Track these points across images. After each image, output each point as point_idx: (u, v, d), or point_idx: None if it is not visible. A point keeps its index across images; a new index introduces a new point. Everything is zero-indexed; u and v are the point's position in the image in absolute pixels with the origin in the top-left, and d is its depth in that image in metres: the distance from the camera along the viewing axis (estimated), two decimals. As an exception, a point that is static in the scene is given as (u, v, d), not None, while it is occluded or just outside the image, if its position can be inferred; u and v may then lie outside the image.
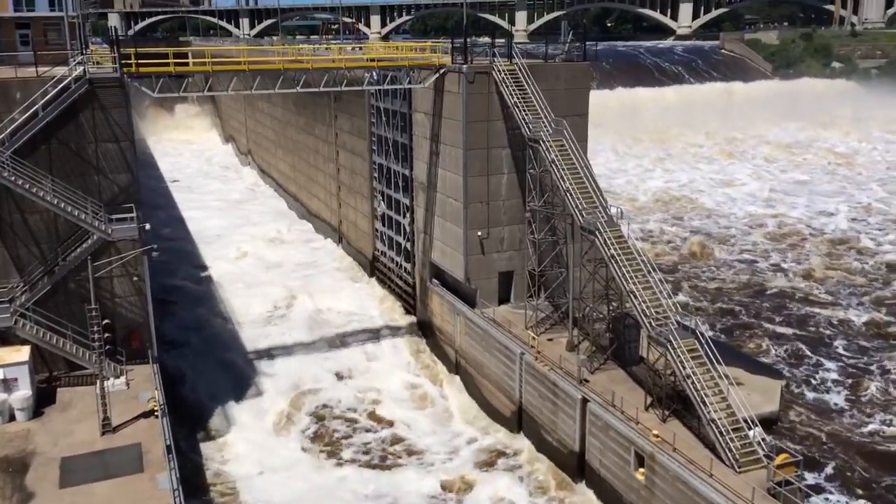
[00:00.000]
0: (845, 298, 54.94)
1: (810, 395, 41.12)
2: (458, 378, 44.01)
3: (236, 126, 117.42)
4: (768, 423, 32.61)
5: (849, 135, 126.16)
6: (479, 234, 42.43)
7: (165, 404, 32.50)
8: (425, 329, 49.16)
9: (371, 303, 55.22)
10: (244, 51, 44.48)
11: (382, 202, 55.62)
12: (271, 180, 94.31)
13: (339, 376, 44.75)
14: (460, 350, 43.90)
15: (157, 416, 31.58)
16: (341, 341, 49.14)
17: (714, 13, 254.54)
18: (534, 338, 38.07)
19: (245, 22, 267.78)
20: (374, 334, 49.82)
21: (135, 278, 36.15)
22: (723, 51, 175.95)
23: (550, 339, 38.65)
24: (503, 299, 43.87)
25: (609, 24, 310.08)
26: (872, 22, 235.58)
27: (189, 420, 38.81)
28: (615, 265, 32.79)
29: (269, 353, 47.16)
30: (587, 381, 34.23)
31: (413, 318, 51.17)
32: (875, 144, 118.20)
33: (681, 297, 54.06)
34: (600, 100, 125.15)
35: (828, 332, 49.26)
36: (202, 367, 44.75)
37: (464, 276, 43.20)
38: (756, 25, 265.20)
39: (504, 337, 39.22)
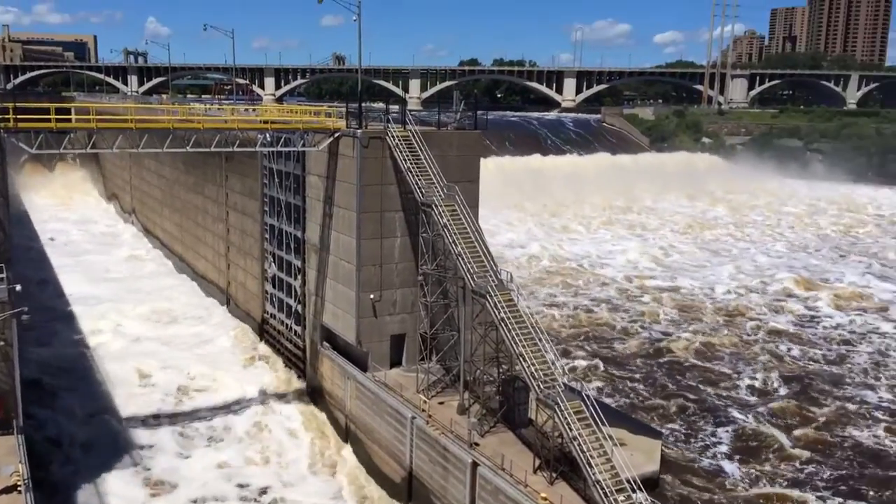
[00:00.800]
0: (731, 364, 56.84)
1: (691, 455, 42.66)
2: (348, 445, 43.13)
3: (120, 184, 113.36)
4: (650, 482, 33.51)
5: (726, 206, 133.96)
6: (372, 296, 42.37)
7: (30, 479, 30.15)
8: (315, 394, 48.13)
9: (258, 367, 53.65)
10: (132, 108, 43.45)
11: (273, 263, 54.76)
12: (156, 240, 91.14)
13: (218, 446, 42.93)
14: (351, 415, 43.16)
15: (19, 492, 29.23)
16: (224, 408, 47.31)
17: (595, 88, 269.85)
18: (425, 401, 37.98)
19: (133, 79, 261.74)
20: (261, 400, 48.27)
21: (1, 343, 33.81)
22: (604, 124, 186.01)
23: (442, 403, 38.66)
24: (395, 362, 43.70)
25: (499, 95, 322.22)
26: (737, 102, 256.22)
27: (55, 497, 36.09)
28: (505, 328, 33.44)
29: (144, 424, 44.79)
30: (477, 444, 34.33)
31: (302, 383, 50.04)
32: (752, 216, 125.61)
33: (580, 363, 55.25)
34: (497, 167, 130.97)
35: (714, 396, 50.68)
36: (71, 439, 41.90)
37: (355, 339, 42.84)
38: (634, 101, 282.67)
39: (395, 401, 38.93)
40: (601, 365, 55.81)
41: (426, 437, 36.02)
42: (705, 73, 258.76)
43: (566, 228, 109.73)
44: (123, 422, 45.00)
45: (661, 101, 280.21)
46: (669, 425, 46.10)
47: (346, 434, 43.72)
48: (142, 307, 66.39)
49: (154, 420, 45.51)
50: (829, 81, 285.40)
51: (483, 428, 35.55)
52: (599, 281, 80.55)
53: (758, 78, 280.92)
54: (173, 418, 45.93)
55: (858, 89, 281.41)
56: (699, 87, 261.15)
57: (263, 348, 56.52)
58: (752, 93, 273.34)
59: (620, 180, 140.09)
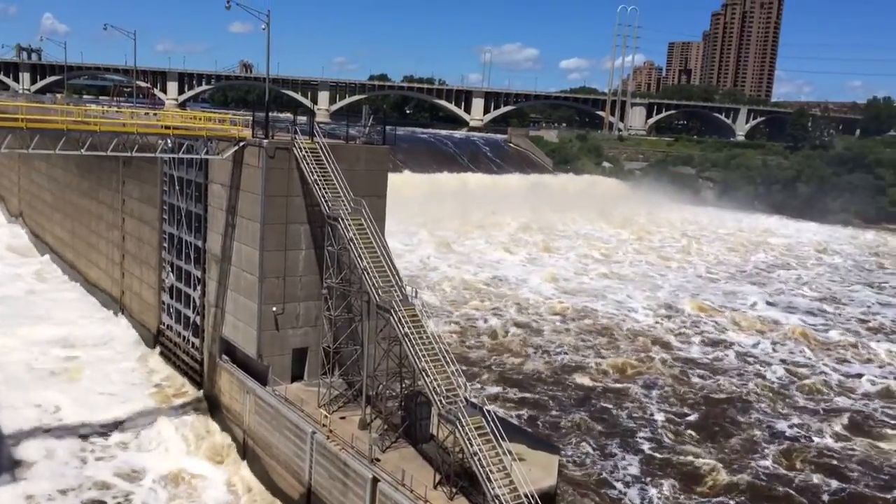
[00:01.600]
0: (640, 387, 57.67)
1: (589, 470, 43.77)
2: (245, 461, 42.05)
3: (7, 185, 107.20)
4: (547, 496, 34.21)
5: (630, 229, 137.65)
6: (274, 309, 41.63)
7: None
8: (212, 408, 46.74)
9: (152, 380, 51.67)
10: (23, 107, 41.27)
11: (171, 273, 52.99)
12: (45, 246, 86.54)
13: (110, 462, 41.05)
14: (249, 430, 42.14)
15: None
16: (115, 424, 45.27)
17: (503, 109, 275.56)
18: (326, 416, 37.56)
19: (26, 76, 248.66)
20: (154, 414, 46.47)
21: None
22: (510, 144, 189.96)
23: (343, 418, 38.32)
24: (296, 377, 43.02)
25: (408, 111, 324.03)
26: (636, 129, 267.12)
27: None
28: (409, 343, 33.54)
29: (29, 437, 42.33)
30: (378, 459, 34.20)
31: (199, 396, 48.50)
32: (655, 240, 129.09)
33: (491, 388, 55.17)
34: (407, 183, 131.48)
35: (620, 419, 51.64)
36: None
37: (256, 353, 41.94)
38: (539, 124, 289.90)
39: (295, 415, 38.30)
40: (510, 387, 55.87)
41: (326, 452, 35.59)
42: (607, 100, 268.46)
43: (478, 248, 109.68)
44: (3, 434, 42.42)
45: (564, 124, 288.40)
46: (575, 444, 47.03)
47: (243, 450, 42.62)
48: (31, 311, 63.01)
49: (43, 433, 42.99)
50: (721, 114, 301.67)
51: (384, 443, 35.44)
52: (511, 302, 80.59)
53: (655, 107, 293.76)
54: (59, 433, 43.56)
55: (747, 122, 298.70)
56: (601, 113, 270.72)
57: (158, 361, 54.48)
58: (650, 121, 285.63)
59: (529, 201, 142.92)
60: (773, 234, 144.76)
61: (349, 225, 37.33)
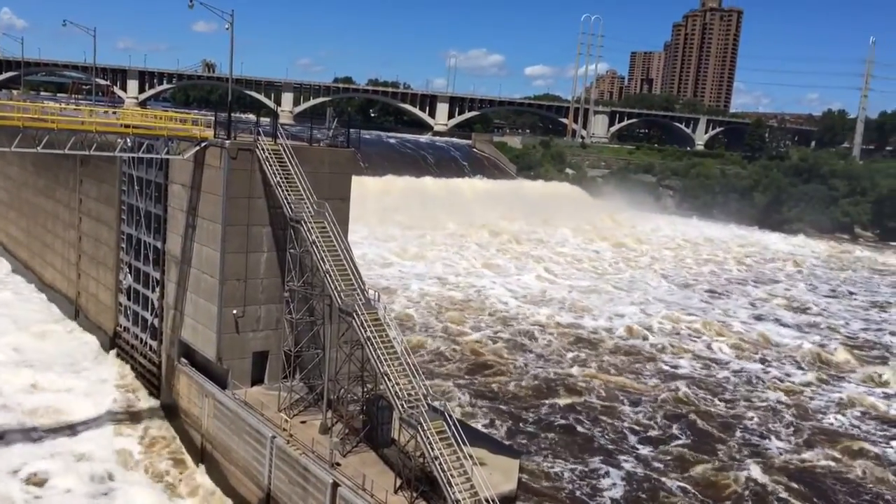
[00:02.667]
0: (624, 399, 57.42)
1: (548, 472, 44.08)
2: (202, 465, 41.48)
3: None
4: (507, 500, 34.33)
5: (600, 237, 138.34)
6: (235, 312, 41.16)
7: None
8: (170, 412, 46.01)
9: (108, 383, 50.65)
10: (-23, 102, 40.28)
11: (129, 275, 52.09)
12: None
13: (61, 466, 40.13)
14: (207, 434, 41.56)
15: None
16: (69, 427, 44.32)
17: (467, 115, 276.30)
18: (286, 420, 37.23)
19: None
20: (109, 418, 45.61)
21: None
22: (474, 150, 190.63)
23: (304, 422, 38.02)
24: (257, 380, 42.56)
25: (373, 115, 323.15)
26: (598, 137, 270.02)
27: None
28: (371, 347, 33.43)
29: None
30: (339, 464, 33.99)
31: (156, 401, 47.72)
32: (626, 251, 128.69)
33: (462, 396, 54.74)
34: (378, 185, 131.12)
35: (596, 429, 51.71)
36: None
37: (216, 356, 41.41)
38: (503, 129, 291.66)
39: (255, 419, 37.90)
40: (487, 398, 55.11)
41: (286, 457, 35.27)
42: (570, 108, 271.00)
43: (451, 257, 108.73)
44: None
45: (528, 130, 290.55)
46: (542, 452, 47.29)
47: (201, 454, 42.02)
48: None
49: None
50: (681, 123, 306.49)
51: (345, 448, 35.24)
52: (491, 311, 79.94)
53: (618, 115, 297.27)
54: (8, 437, 42.49)
55: (706, 132, 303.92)
56: (564, 120, 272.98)
57: (114, 363, 53.47)
58: (612, 129, 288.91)
59: (498, 206, 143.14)
60: (748, 245, 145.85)
61: (312, 228, 37.10)
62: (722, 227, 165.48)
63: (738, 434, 53.34)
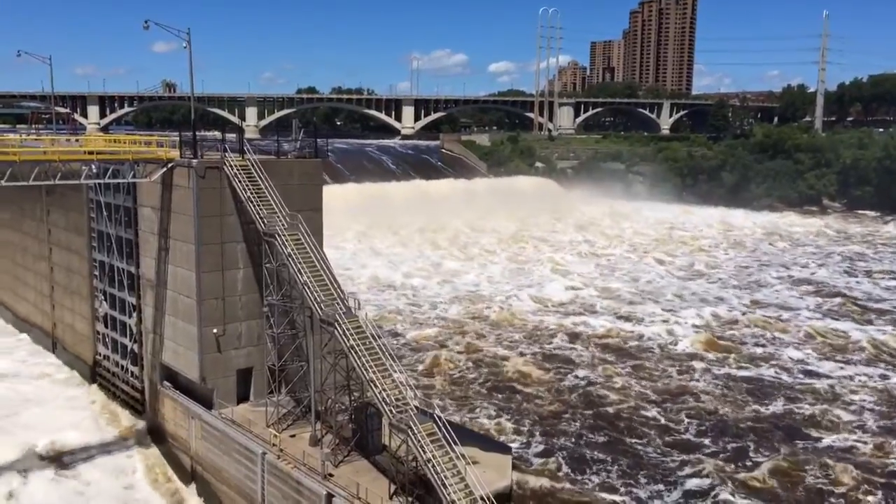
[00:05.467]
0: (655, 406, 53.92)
1: (541, 468, 44.09)
2: (194, 487, 41.13)
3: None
4: (503, 496, 34.46)
5: (582, 228, 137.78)
6: (215, 331, 40.85)
7: None
8: (156, 437, 45.54)
9: (91, 413, 49.99)
10: (-65, 139, 39.60)
11: (105, 302, 51.47)
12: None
13: (50, 499, 39.58)
14: (196, 456, 41.22)
15: None
16: (55, 459, 43.68)
17: (433, 116, 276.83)
18: (276, 435, 37.04)
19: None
20: (96, 448, 45.00)
21: None
22: (443, 150, 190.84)
23: (293, 436, 37.85)
24: (242, 398, 42.28)
25: (339, 123, 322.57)
26: (565, 129, 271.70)
27: None
28: (355, 355, 33.37)
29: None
30: (332, 475, 33.90)
31: (142, 426, 47.19)
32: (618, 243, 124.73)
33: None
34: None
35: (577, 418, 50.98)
36: None
37: (199, 376, 41.07)
38: (470, 128, 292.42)
39: (244, 437, 37.66)
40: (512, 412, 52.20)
41: (278, 472, 35.09)
42: (535, 102, 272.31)
43: (456, 256, 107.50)
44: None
45: (495, 127, 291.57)
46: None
47: (191, 476, 41.67)
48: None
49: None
50: (645, 109, 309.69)
51: (337, 458, 35.15)
52: (513, 321, 75.16)
53: (582, 106, 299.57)
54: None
55: (670, 116, 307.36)
56: (530, 114, 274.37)
57: (96, 392, 52.81)
58: (578, 119, 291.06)
59: (475, 205, 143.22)
60: (735, 226, 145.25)
61: (286, 241, 36.95)
62: (698, 208, 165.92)
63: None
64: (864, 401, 55.05)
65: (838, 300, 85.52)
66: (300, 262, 36.33)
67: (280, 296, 38.90)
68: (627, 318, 76.30)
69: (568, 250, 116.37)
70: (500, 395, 55.15)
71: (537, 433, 48.62)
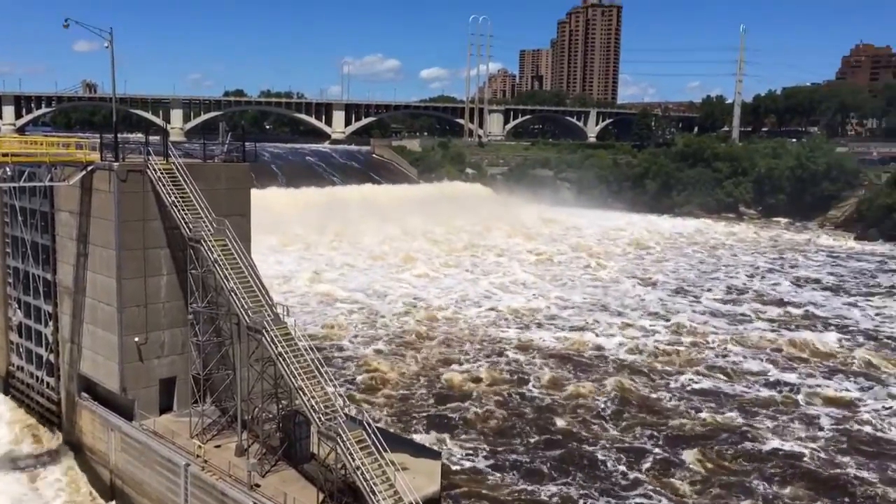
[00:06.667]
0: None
1: (469, 472, 44.35)
2: (114, 503, 39.78)
3: None
4: (432, 502, 34.53)
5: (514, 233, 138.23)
6: (137, 339, 39.66)
7: None
8: (74, 450, 43.85)
9: (1, 428, 47.76)
10: None
11: (19, 310, 49.33)
12: None
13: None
14: (116, 470, 39.90)
15: None
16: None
17: (364, 121, 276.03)
18: (200, 446, 36.19)
19: None
20: (7, 465, 43.00)
21: None
22: (374, 156, 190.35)
23: (218, 446, 37.06)
24: (165, 408, 41.14)
25: (268, 127, 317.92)
26: (495, 135, 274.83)
27: None
28: (283, 363, 32.94)
29: None
30: (258, 485, 33.33)
31: (58, 440, 45.39)
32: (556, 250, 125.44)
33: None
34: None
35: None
36: None
37: (119, 387, 39.78)
38: (401, 134, 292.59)
39: (166, 449, 36.66)
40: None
41: (202, 483, 34.29)
42: (465, 108, 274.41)
43: (398, 265, 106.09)
44: None
45: (426, 133, 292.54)
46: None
47: (110, 491, 40.30)
48: None
49: None
50: (573, 117, 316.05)
51: (263, 468, 34.58)
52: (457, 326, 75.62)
53: (512, 113, 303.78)
54: None
55: (597, 124, 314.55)
56: (461, 120, 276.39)
57: (9, 405, 50.48)
58: (508, 126, 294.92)
59: (408, 211, 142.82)
60: (665, 231, 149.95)
61: (213, 246, 36.21)
62: (627, 215, 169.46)
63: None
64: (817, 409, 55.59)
65: (779, 310, 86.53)
66: (227, 269, 35.64)
67: (206, 303, 38.08)
68: (577, 328, 76.23)
69: (510, 256, 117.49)
70: (440, 406, 54.42)
71: (478, 442, 48.54)
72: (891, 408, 55.74)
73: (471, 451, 47.04)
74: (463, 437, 49.26)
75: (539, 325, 77.07)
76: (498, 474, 44.32)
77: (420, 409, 53.45)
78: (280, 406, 36.28)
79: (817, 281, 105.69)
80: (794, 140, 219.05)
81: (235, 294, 34.96)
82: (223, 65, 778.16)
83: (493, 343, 70.23)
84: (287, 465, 35.33)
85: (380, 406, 53.80)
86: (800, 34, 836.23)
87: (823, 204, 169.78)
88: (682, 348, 69.36)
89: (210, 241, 36.35)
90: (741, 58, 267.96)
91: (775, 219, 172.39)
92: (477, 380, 59.82)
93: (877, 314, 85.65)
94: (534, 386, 58.91)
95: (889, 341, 74.21)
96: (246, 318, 34.35)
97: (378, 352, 66.21)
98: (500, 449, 47.52)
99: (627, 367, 64.06)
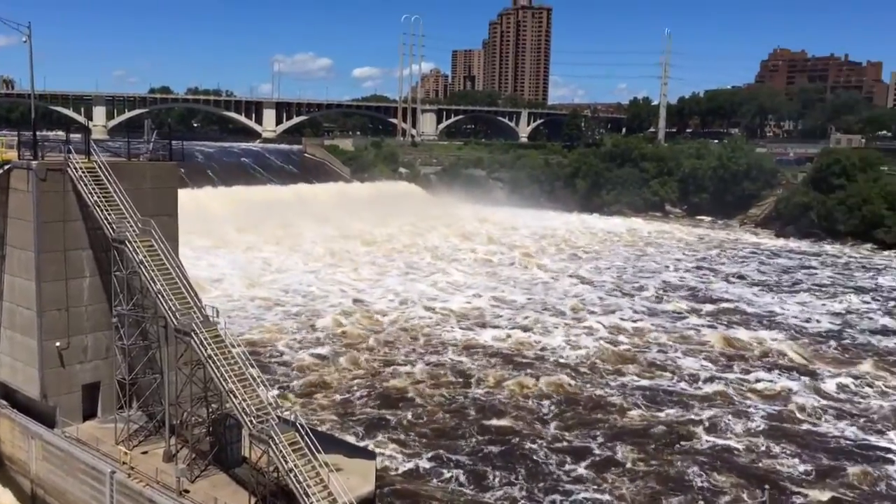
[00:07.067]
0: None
1: (404, 471, 44.31)
2: (35, 513, 38.38)
3: None
4: (367, 502, 34.46)
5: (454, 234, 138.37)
6: (58, 344, 38.26)
7: None
8: (-9, 461, 42.09)
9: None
10: None
11: (-71, 316, 46.97)
12: None
13: None
14: (37, 479, 38.43)
15: None
16: None
17: (296, 120, 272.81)
18: (126, 453, 35.19)
19: None
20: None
21: None
22: (306, 155, 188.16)
23: (145, 452, 36.14)
24: (89, 414, 39.82)
25: (195, 125, 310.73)
26: (428, 135, 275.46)
27: None
28: (213, 365, 32.33)
29: None
30: (187, 491, 32.64)
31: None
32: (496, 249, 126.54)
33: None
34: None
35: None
36: None
37: (39, 394, 38.32)
38: (333, 133, 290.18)
39: (90, 456, 35.53)
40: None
41: (129, 491, 33.37)
42: (398, 108, 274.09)
43: (334, 265, 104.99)
44: None
45: (359, 132, 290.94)
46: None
47: (31, 501, 38.80)
48: None
49: None
50: (504, 117, 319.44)
51: (193, 473, 33.89)
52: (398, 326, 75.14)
53: (444, 113, 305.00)
54: None
55: (528, 124, 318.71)
56: (393, 120, 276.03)
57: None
58: (441, 126, 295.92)
59: (343, 210, 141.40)
60: (601, 230, 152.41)
61: (138, 247, 35.25)
62: (559, 214, 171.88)
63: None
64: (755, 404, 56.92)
65: (712, 306, 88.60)
66: (153, 270, 34.76)
67: (131, 305, 37.06)
68: (519, 327, 76.58)
69: (449, 256, 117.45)
70: (381, 408, 53.88)
71: (419, 443, 48.34)
72: (820, 401, 58.11)
73: (412, 453, 46.91)
74: (403, 438, 49.11)
75: (481, 326, 77.30)
76: (438, 475, 44.35)
77: (360, 413, 52.96)
78: (210, 410, 35.60)
79: (744, 277, 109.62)
80: (716, 141, 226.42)
81: (162, 296, 34.13)
82: (149, 62, 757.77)
83: (435, 344, 70.19)
84: (218, 469, 34.70)
85: (318, 410, 53.14)
86: (721, 39, 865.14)
87: (744, 203, 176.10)
88: (621, 347, 70.53)
89: (135, 241, 35.39)
90: (666, 61, 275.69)
91: (699, 217, 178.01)
92: (418, 381, 59.66)
93: (802, 311, 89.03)
94: (476, 386, 59.06)
95: (817, 336, 77.41)
96: (174, 320, 33.57)
97: (317, 355, 65.21)
98: (441, 450, 47.44)
99: (569, 366, 64.72)
